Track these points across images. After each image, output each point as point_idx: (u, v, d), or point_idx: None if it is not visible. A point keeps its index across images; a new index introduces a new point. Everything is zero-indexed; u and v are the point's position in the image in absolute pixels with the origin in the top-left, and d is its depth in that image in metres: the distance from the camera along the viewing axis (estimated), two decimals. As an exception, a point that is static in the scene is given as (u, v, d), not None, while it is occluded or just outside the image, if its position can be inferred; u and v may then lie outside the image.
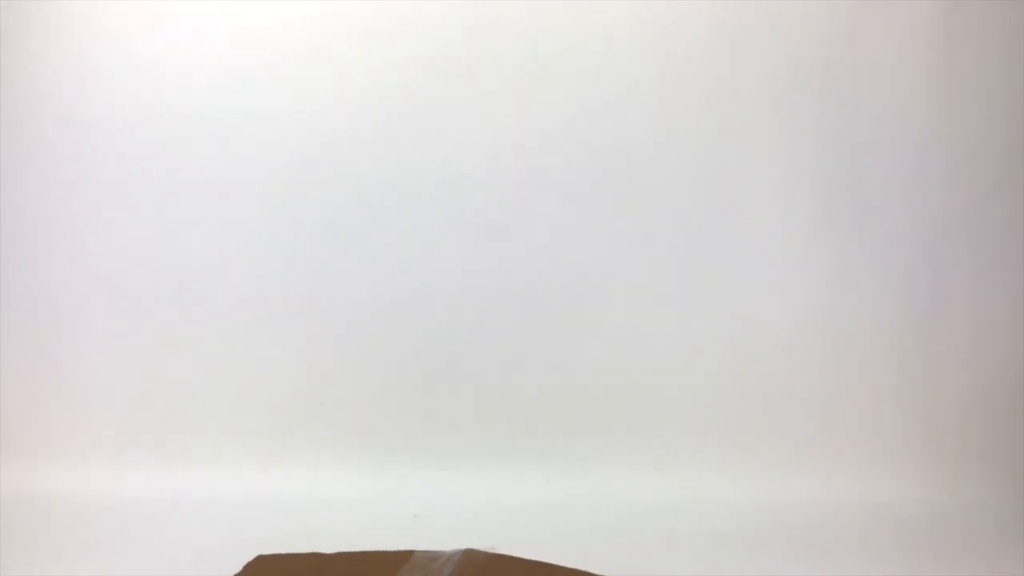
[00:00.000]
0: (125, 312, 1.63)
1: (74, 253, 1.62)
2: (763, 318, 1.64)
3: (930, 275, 1.63)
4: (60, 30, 1.57)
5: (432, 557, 1.19)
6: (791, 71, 1.59)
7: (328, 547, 1.24)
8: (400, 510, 1.49)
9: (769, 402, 1.64)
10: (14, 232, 1.61)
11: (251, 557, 1.22)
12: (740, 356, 1.64)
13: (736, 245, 1.63)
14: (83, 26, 1.57)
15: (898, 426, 1.64)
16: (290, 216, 1.62)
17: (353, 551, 1.22)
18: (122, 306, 1.63)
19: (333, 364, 1.64)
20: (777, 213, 1.62)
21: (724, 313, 1.64)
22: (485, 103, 1.60)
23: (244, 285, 1.63)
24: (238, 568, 1.19)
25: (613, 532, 1.45)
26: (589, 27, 1.58)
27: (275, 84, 1.59)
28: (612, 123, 1.61)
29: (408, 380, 1.64)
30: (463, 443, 1.63)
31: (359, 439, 1.64)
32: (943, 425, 1.64)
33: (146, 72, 1.59)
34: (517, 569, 1.17)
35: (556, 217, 1.63)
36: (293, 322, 1.63)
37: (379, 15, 1.58)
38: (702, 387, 1.64)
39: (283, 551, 1.24)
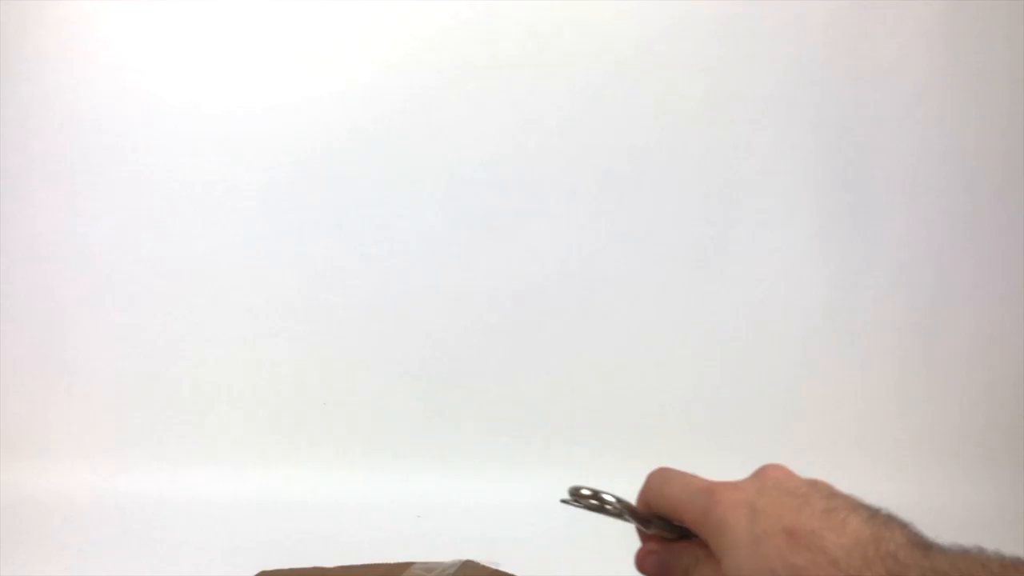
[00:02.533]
0: (127, 311, 1.63)
1: (75, 253, 1.62)
2: (763, 318, 1.64)
3: (932, 276, 1.63)
4: (62, 30, 1.57)
5: (429, 568, 1.19)
6: (792, 71, 1.58)
7: (329, 547, 1.23)
8: (402, 511, 1.50)
9: (769, 402, 1.64)
10: (16, 231, 1.61)
11: (252, 561, 1.22)
12: (741, 356, 1.64)
13: (737, 245, 1.63)
14: (85, 26, 1.57)
15: (898, 426, 1.64)
16: (291, 216, 1.62)
17: (353, 564, 1.22)
18: (124, 305, 1.63)
19: (335, 365, 1.64)
20: (778, 213, 1.62)
21: (724, 313, 1.64)
22: (485, 103, 1.59)
23: (245, 285, 1.63)
24: (240, 571, 1.19)
25: (613, 532, 1.45)
26: (590, 27, 1.57)
27: (275, 84, 1.59)
28: (613, 123, 1.60)
29: (409, 381, 1.64)
30: (465, 443, 1.63)
31: (361, 440, 1.64)
32: (943, 425, 1.64)
33: (149, 72, 1.58)
34: (513, 587, 1.16)
35: (557, 217, 1.63)
36: (295, 322, 1.63)
37: (379, 15, 1.57)
38: (702, 387, 1.65)
39: (284, 552, 1.24)
